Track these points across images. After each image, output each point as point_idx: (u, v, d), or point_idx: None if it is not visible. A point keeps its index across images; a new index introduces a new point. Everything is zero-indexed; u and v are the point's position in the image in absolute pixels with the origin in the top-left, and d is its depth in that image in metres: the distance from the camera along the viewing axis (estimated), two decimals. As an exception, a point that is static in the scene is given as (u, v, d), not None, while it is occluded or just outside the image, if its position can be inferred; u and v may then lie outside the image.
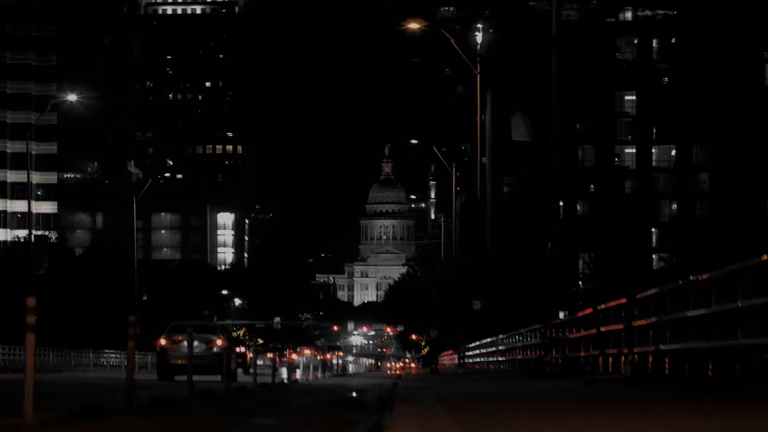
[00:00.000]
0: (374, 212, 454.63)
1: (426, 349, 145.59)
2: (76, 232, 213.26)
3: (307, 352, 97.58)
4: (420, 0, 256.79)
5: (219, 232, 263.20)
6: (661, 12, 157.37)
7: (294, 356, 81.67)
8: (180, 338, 46.57)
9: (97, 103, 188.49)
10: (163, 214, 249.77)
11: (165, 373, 47.49)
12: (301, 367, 68.80)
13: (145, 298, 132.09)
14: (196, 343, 42.91)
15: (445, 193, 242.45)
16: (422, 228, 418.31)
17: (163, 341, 48.18)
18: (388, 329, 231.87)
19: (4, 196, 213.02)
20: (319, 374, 71.83)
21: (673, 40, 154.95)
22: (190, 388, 26.33)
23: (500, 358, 70.35)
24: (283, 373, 59.71)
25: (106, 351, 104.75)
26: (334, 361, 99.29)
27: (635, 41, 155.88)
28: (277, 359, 58.62)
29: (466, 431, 13.16)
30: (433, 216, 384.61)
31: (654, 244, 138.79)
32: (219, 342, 47.34)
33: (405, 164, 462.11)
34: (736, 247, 63.51)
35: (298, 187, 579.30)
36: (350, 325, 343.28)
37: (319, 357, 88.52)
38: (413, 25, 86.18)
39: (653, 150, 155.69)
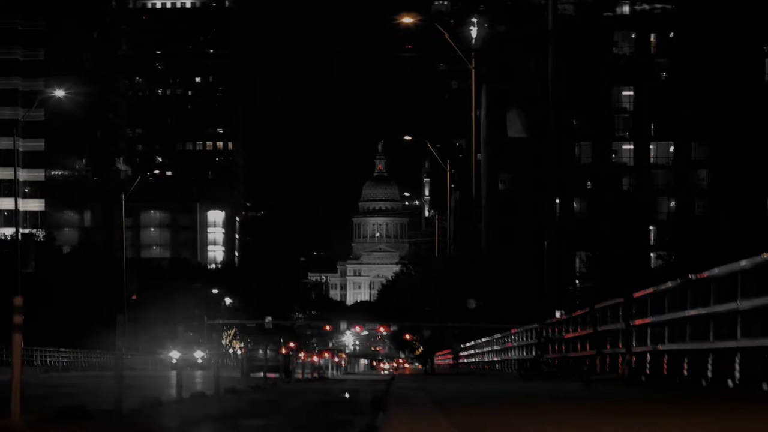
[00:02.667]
0: (367, 210, 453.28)
1: (420, 349, 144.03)
2: (63, 230, 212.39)
3: (326, 355, 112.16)
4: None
5: (209, 230, 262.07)
6: (659, 6, 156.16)
7: (315, 358, 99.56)
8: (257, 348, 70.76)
9: (85, 98, 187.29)
10: (152, 211, 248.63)
11: (246, 371, 64.41)
12: (329, 366, 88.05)
13: (134, 297, 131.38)
14: (268, 351, 64.26)
15: (439, 190, 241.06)
16: (416, 226, 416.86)
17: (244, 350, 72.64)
18: (382, 329, 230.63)
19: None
20: (336, 372, 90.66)
21: (672, 35, 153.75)
22: (266, 379, 41.70)
23: (496, 358, 70.12)
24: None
25: (95, 351, 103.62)
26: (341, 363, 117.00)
27: (633, 36, 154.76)
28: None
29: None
30: (427, 214, 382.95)
31: (652, 242, 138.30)
32: (282, 351, 67.09)
33: (398, 161, 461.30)
34: (735, 246, 62.27)
35: (289, 184, 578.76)
36: (343, 325, 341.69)
37: (335, 359, 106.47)
38: (407, 19, 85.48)
39: (651, 146, 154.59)
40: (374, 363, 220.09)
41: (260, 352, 67.42)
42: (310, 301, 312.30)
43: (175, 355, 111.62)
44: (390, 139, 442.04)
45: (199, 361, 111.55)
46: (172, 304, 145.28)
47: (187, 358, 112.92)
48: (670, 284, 27.28)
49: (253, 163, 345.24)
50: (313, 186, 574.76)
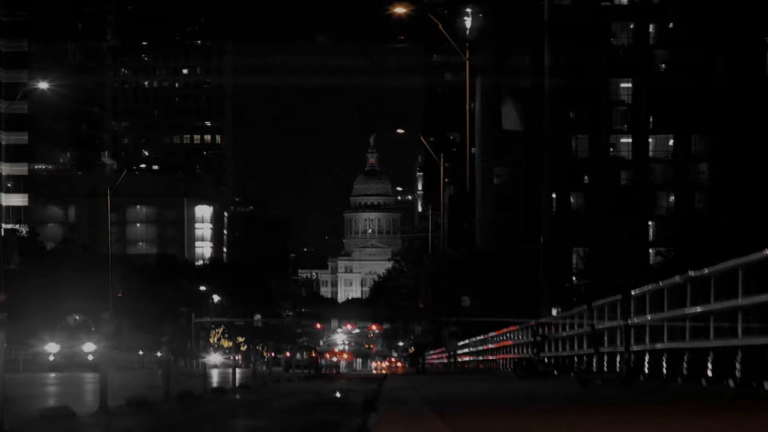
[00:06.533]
0: (359, 205, 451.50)
1: (413, 348, 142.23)
2: (47, 226, 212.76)
3: (327, 356, 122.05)
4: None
5: (197, 225, 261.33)
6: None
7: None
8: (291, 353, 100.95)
9: (69, 91, 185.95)
10: (138, 207, 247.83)
11: (286, 369, 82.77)
12: (341, 365, 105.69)
13: (120, 295, 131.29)
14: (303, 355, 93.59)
15: (432, 184, 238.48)
16: (409, 221, 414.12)
17: (287, 354, 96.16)
18: (374, 327, 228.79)
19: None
20: (345, 370, 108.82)
21: (671, 25, 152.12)
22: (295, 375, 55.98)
23: (491, 357, 69.68)
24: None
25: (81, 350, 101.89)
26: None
27: (631, 26, 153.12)
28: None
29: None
30: (420, 209, 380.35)
31: (651, 237, 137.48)
32: (312, 354, 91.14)
33: (391, 155, 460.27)
34: (736, 241, 60.84)
35: (279, 178, 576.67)
36: (334, 323, 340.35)
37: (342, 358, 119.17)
38: (399, 9, 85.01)
39: (650, 140, 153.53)
40: (373, 362, 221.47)
41: (297, 355, 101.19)
42: (300, 299, 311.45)
43: (52, 349, 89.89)
44: (382, 133, 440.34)
45: (90, 357, 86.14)
46: (159, 301, 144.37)
47: (71, 354, 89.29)
48: (671, 280, 26.84)
49: (241, 157, 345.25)
50: (304, 180, 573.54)
